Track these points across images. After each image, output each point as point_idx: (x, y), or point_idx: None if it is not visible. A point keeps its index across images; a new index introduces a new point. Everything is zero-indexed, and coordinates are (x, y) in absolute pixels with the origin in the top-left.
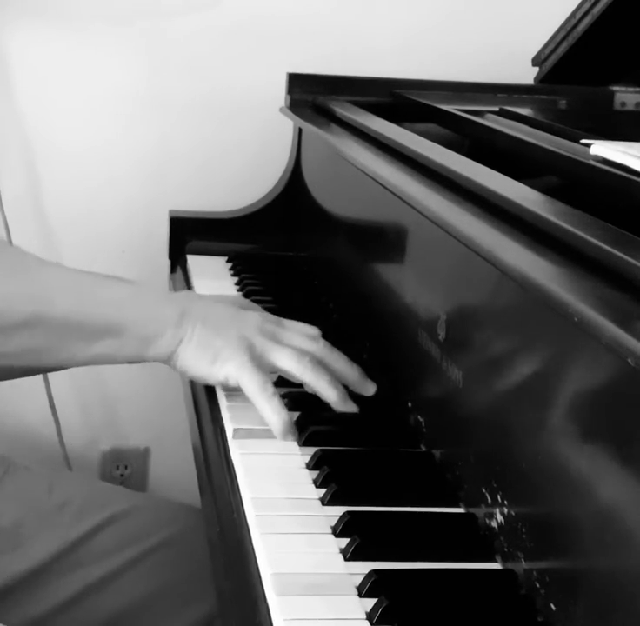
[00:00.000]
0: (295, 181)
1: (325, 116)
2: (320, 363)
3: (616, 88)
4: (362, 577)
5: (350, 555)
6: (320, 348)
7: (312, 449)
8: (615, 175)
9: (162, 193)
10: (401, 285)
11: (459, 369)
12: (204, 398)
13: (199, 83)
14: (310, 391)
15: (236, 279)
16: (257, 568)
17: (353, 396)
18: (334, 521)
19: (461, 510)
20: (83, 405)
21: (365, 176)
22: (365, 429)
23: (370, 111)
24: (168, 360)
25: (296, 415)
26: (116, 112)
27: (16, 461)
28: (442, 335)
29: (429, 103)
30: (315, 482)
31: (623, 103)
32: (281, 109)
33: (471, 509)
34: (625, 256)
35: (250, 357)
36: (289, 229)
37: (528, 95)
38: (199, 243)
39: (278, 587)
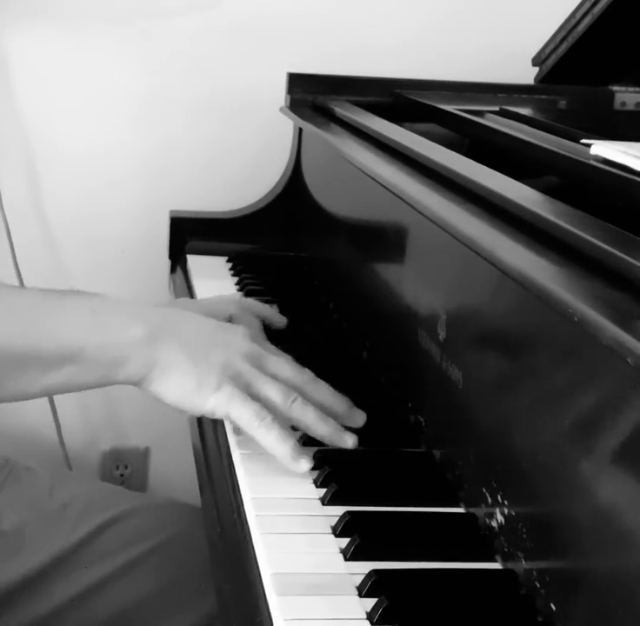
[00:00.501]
0: (295, 181)
1: (325, 116)
2: (307, 396)
3: (616, 88)
4: (362, 577)
5: (351, 555)
6: (306, 378)
7: (312, 450)
8: (615, 175)
9: (162, 193)
10: (401, 285)
11: (459, 369)
12: None
13: (199, 82)
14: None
15: (236, 279)
16: (257, 568)
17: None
18: (334, 521)
19: (461, 510)
20: (84, 405)
21: (365, 176)
22: (365, 429)
23: (370, 111)
24: (139, 384)
25: None
26: (117, 112)
27: (16, 461)
28: (442, 335)
29: (429, 102)
30: (315, 481)
31: (623, 103)
32: (281, 109)
33: (471, 509)
34: (625, 256)
35: (238, 387)
36: (289, 229)
37: (528, 95)
38: (199, 243)
39: (278, 587)
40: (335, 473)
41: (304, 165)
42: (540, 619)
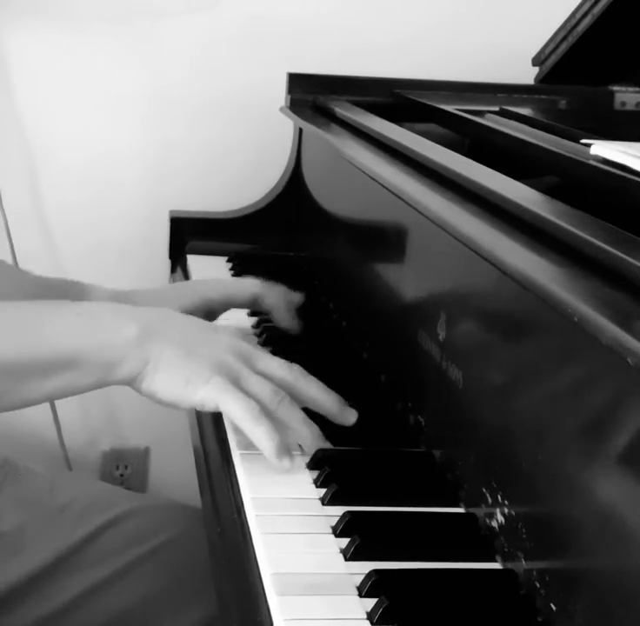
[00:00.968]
0: (295, 181)
1: (325, 116)
2: (296, 396)
3: (616, 88)
4: (362, 577)
5: (351, 555)
6: (295, 375)
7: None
8: (615, 175)
9: (162, 193)
10: (401, 285)
11: (459, 369)
12: None
13: (199, 83)
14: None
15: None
16: (258, 568)
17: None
18: (334, 521)
19: (461, 510)
20: (84, 406)
21: (365, 176)
22: (365, 429)
23: (369, 111)
24: (132, 382)
25: None
26: (117, 112)
27: (16, 461)
28: (442, 335)
29: (429, 102)
30: (315, 482)
31: (623, 103)
32: (281, 109)
33: (471, 509)
34: (625, 256)
35: (227, 379)
36: (289, 229)
37: (528, 95)
38: (199, 243)
39: (278, 587)
40: (335, 473)
41: (304, 165)
42: (540, 619)
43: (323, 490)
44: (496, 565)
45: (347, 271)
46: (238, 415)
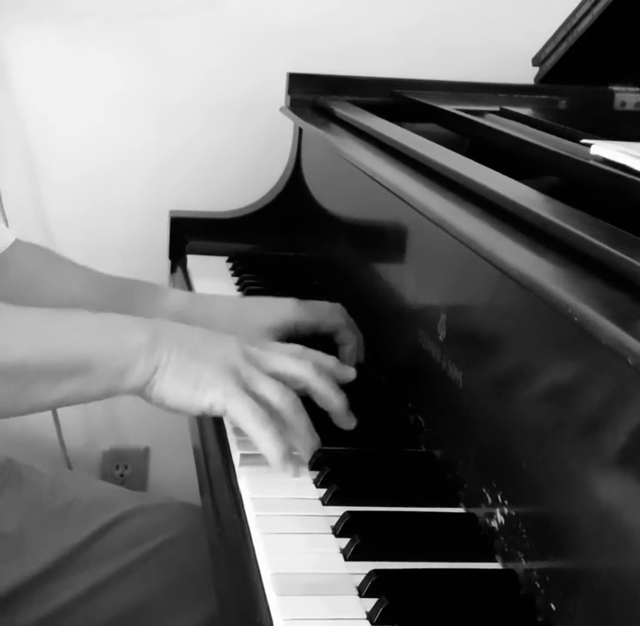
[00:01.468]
0: (295, 181)
1: (325, 116)
2: (308, 389)
3: (616, 88)
4: (362, 577)
5: (351, 555)
6: (307, 370)
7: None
8: (615, 175)
9: (162, 193)
10: (401, 285)
11: (459, 369)
12: None
13: (199, 83)
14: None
15: (236, 279)
16: (258, 568)
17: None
18: (334, 521)
19: (461, 510)
20: (84, 406)
21: (365, 176)
22: (365, 429)
23: (369, 111)
24: (142, 391)
25: None
26: (117, 112)
27: (18, 462)
28: (442, 335)
29: (429, 103)
30: (315, 482)
31: (623, 103)
32: (281, 109)
33: (471, 509)
34: (625, 256)
35: (236, 382)
36: (289, 229)
37: (528, 95)
38: (199, 242)
39: (278, 587)
40: (335, 473)
41: (304, 165)
42: (540, 619)
43: (323, 490)
44: (496, 565)
45: (347, 271)
46: (245, 420)
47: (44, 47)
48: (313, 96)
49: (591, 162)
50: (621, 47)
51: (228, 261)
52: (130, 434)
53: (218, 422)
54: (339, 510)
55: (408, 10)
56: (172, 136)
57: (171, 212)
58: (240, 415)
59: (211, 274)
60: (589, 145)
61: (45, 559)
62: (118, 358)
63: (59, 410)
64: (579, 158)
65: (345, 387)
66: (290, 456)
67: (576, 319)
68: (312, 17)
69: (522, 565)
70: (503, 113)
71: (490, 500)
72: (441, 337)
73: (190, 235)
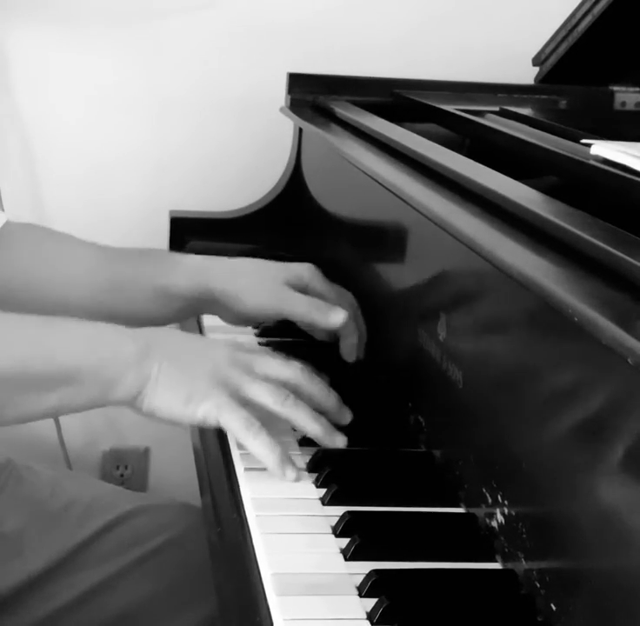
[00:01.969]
0: (295, 181)
1: (325, 116)
2: (299, 394)
3: (616, 88)
4: (362, 577)
5: (351, 555)
6: (297, 373)
7: (312, 450)
8: (615, 175)
9: (161, 193)
10: (401, 285)
11: (459, 369)
12: None
13: (199, 82)
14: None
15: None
16: (258, 568)
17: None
18: (334, 521)
19: (461, 510)
20: None
21: (365, 175)
22: (365, 429)
23: (370, 111)
24: (132, 402)
25: None
26: (117, 112)
27: (17, 462)
28: (442, 335)
29: (429, 103)
30: (315, 482)
31: (623, 103)
32: (281, 109)
33: (471, 509)
34: (625, 256)
35: (228, 393)
36: (289, 229)
37: (528, 95)
38: (199, 242)
39: (278, 587)
40: (335, 473)
41: (304, 165)
42: (540, 619)
43: (323, 490)
44: (496, 565)
45: (347, 271)
46: (238, 430)
47: (44, 46)
48: (313, 96)
49: (591, 162)
50: (621, 47)
51: None
52: (130, 434)
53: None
54: (339, 510)
55: (408, 11)
56: (172, 136)
57: (171, 212)
58: (233, 425)
59: None
60: (589, 145)
61: (45, 559)
62: (108, 369)
63: None
64: (579, 158)
65: (345, 386)
66: (287, 460)
67: (576, 319)
68: (312, 17)
69: (522, 565)
70: (503, 113)
71: (490, 500)
72: (441, 337)
73: (189, 235)
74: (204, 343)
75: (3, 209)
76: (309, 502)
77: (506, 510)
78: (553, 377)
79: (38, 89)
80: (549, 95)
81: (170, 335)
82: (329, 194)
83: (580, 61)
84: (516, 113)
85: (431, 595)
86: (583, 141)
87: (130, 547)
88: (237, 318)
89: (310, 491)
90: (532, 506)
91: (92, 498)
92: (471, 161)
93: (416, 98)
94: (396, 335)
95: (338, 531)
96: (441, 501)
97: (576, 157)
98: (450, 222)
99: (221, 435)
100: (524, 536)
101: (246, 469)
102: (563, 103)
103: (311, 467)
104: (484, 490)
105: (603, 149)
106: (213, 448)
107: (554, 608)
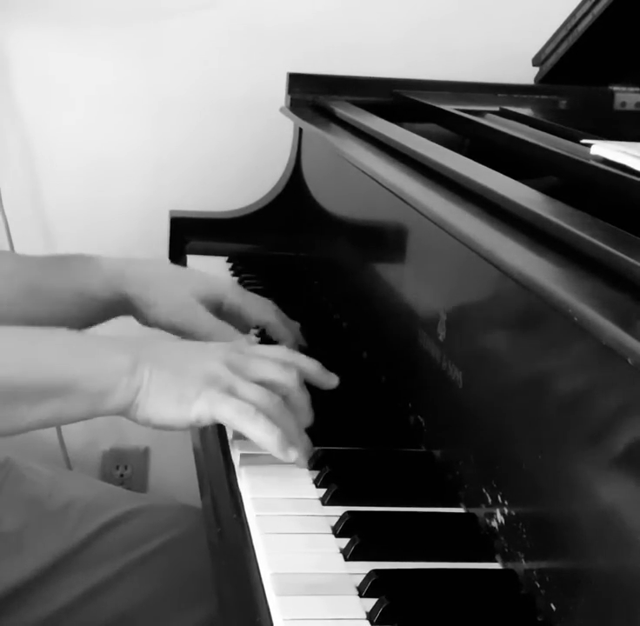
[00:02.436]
0: (295, 181)
1: (325, 116)
2: (286, 400)
3: (616, 88)
4: (362, 577)
5: (351, 555)
6: (290, 378)
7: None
8: (615, 175)
9: (162, 193)
10: (401, 285)
11: (459, 369)
12: None
13: (199, 82)
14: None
15: (236, 279)
16: (258, 568)
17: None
18: (334, 521)
19: (461, 510)
20: None
21: (365, 176)
22: (365, 429)
23: (370, 111)
24: (126, 412)
25: None
26: (117, 112)
27: (17, 461)
28: (442, 335)
29: (429, 103)
30: (315, 482)
31: (623, 103)
32: (281, 109)
33: (471, 509)
34: (625, 256)
35: (219, 390)
36: (289, 229)
37: (528, 95)
38: (199, 243)
39: (278, 587)
40: (335, 473)
41: (304, 165)
42: (540, 619)
43: (323, 490)
44: (496, 565)
45: (347, 271)
46: (233, 419)
47: (45, 47)
48: (313, 96)
49: (591, 162)
50: (621, 47)
51: (228, 261)
52: (130, 434)
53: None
54: (339, 510)
55: (408, 11)
56: (172, 136)
57: (171, 212)
58: (228, 415)
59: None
60: (589, 145)
61: (44, 559)
62: (99, 380)
63: None
64: (579, 158)
65: (346, 386)
66: (287, 441)
67: (576, 319)
68: (312, 17)
69: (522, 565)
70: (503, 113)
71: (490, 500)
72: (441, 337)
73: (189, 235)
74: (197, 347)
75: (3, 210)
76: (308, 502)
77: (506, 510)
78: (553, 377)
79: (39, 89)
80: (549, 95)
81: (160, 342)
82: (329, 194)
83: (580, 61)
84: (516, 113)
85: (431, 595)
86: (583, 141)
87: (130, 548)
88: (151, 325)
89: (309, 491)
90: (532, 506)
91: (92, 498)
92: (471, 161)
93: (416, 98)
94: (396, 335)
95: (338, 531)
96: (441, 501)
97: (576, 157)
98: (450, 222)
99: (221, 434)
100: (524, 536)
101: (246, 469)
102: (563, 103)
103: (311, 467)
104: (484, 490)
105: (603, 149)
106: (213, 448)
107: (554, 608)
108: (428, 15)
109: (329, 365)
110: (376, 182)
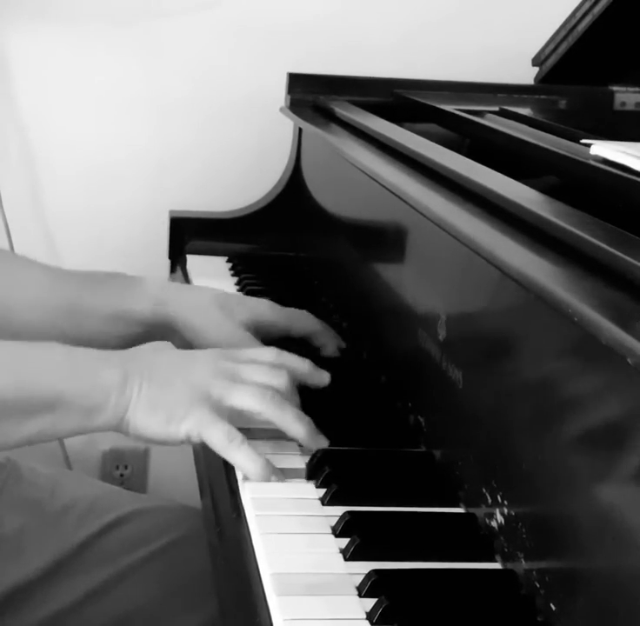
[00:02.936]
0: (295, 181)
1: (325, 116)
2: (284, 398)
3: (616, 88)
4: (362, 577)
5: (350, 555)
6: (283, 382)
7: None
8: (615, 175)
9: (162, 193)
10: (401, 285)
11: (459, 369)
12: None
13: (199, 83)
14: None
15: (236, 279)
16: (257, 568)
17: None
18: (334, 521)
19: (461, 510)
20: None
21: (365, 176)
22: (365, 428)
23: (369, 111)
24: (118, 428)
25: None
26: (117, 113)
27: (17, 461)
28: (442, 335)
29: (429, 103)
30: (315, 482)
31: (623, 103)
32: (281, 109)
33: (471, 509)
34: (625, 256)
35: (209, 408)
36: (289, 229)
37: (528, 95)
38: (199, 242)
39: (278, 587)
40: (335, 473)
41: (304, 165)
42: (540, 619)
43: (323, 490)
44: (496, 565)
45: (347, 271)
46: (219, 444)
47: (45, 47)
48: (313, 96)
49: (591, 162)
50: (621, 47)
51: (228, 261)
52: None
53: None
54: (339, 510)
55: (408, 11)
56: (172, 136)
57: (171, 212)
58: (214, 441)
59: (211, 274)
60: (589, 145)
61: (44, 561)
62: (89, 397)
63: None
64: (579, 158)
65: (346, 386)
66: (270, 469)
67: (576, 319)
68: (313, 17)
69: (522, 565)
70: (503, 113)
71: (489, 500)
72: (441, 337)
73: (189, 235)
74: (187, 358)
75: (4, 211)
76: (308, 502)
77: (506, 510)
78: (553, 377)
79: (39, 89)
80: (549, 95)
81: (150, 355)
82: (329, 194)
83: (580, 61)
84: (516, 113)
85: (431, 595)
86: (583, 141)
87: (130, 549)
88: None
89: (309, 491)
90: (532, 506)
91: (92, 499)
92: (471, 161)
93: (416, 98)
94: (396, 335)
95: (338, 531)
96: (441, 501)
97: (576, 157)
98: (450, 222)
99: None
100: (524, 536)
101: None
102: (562, 103)
103: (311, 467)
104: (484, 490)
105: (603, 149)
106: None
107: (554, 608)
108: (428, 15)
109: (329, 365)
110: (376, 182)
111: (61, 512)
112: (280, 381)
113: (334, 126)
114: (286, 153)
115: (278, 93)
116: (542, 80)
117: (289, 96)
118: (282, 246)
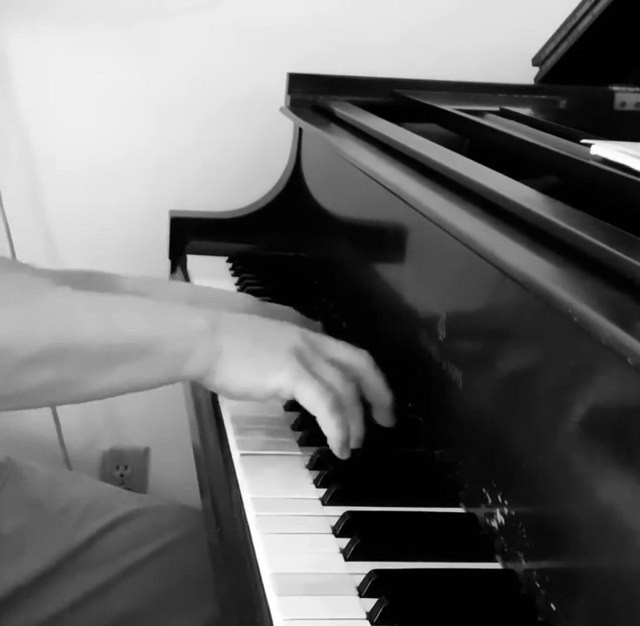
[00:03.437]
0: (295, 181)
1: (325, 116)
2: (361, 380)
3: (616, 88)
4: (362, 577)
5: (351, 555)
6: (364, 361)
7: (312, 449)
8: (615, 175)
9: (162, 193)
10: (401, 285)
11: (459, 369)
12: (205, 399)
13: (199, 83)
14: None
15: (236, 279)
16: (258, 568)
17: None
18: (334, 521)
19: (461, 510)
20: (84, 405)
21: (365, 176)
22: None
23: (369, 111)
24: (204, 377)
25: (295, 415)
26: (117, 112)
27: (17, 461)
28: (442, 335)
29: (429, 103)
30: (315, 482)
31: (623, 103)
32: (281, 109)
33: (471, 509)
34: (625, 256)
35: (303, 365)
36: (289, 229)
37: (528, 95)
38: (199, 242)
39: (278, 587)
40: (335, 473)
41: (304, 165)
42: (540, 619)
43: (323, 490)
44: (496, 565)
45: (347, 271)
46: (315, 404)
47: (45, 47)
48: (313, 96)
49: (591, 162)
50: (621, 47)
51: (228, 261)
52: (130, 434)
53: (218, 422)
54: (339, 510)
55: (408, 11)
56: (172, 136)
57: (171, 212)
58: (310, 398)
59: (211, 274)
60: (589, 145)
61: (44, 560)
62: (180, 342)
63: (59, 410)
64: (579, 158)
65: None
66: (348, 444)
67: (576, 319)
68: (313, 18)
69: (522, 565)
70: (503, 113)
71: (489, 500)
72: (441, 337)
73: (190, 235)
74: (274, 322)
75: (4, 211)
76: (309, 502)
77: (506, 510)
78: (553, 377)
79: (39, 89)
80: (549, 95)
81: (239, 314)
82: (329, 194)
83: (580, 61)
84: (516, 113)
85: (431, 595)
86: (583, 141)
87: (130, 549)
88: None
89: (310, 491)
90: (532, 506)
91: (92, 500)
92: (471, 161)
93: (416, 98)
94: (397, 335)
95: (338, 531)
96: (441, 501)
97: (576, 157)
98: (450, 222)
99: (221, 434)
100: (524, 536)
101: (246, 469)
102: (563, 103)
103: (311, 467)
104: (484, 490)
105: (603, 149)
106: (213, 448)
107: (554, 608)
108: (428, 15)
109: None
110: (376, 182)
111: (61, 512)
112: (361, 360)
113: (334, 126)
114: (286, 153)
115: (278, 93)
116: (542, 80)
117: (289, 96)
118: (282, 246)
